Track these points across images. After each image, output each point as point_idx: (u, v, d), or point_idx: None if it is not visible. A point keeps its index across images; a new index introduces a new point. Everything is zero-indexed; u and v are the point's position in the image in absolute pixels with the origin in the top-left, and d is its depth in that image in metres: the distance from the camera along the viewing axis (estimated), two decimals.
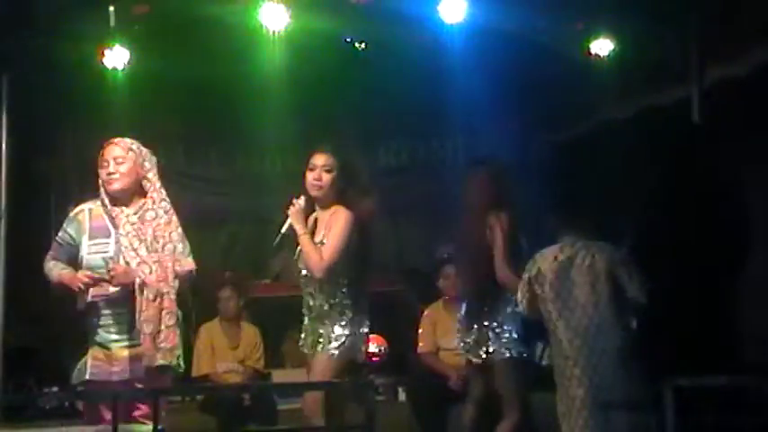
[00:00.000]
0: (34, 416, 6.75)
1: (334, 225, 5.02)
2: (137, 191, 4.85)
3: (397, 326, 7.44)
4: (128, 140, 4.89)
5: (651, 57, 7.19)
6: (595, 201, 4.92)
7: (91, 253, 4.76)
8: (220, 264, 8.49)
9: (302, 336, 5.16)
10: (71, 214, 4.87)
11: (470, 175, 5.81)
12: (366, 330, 5.11)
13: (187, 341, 4.97)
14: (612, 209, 5.17)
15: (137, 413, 4.64)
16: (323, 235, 5.05)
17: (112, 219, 4.79)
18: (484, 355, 5.56)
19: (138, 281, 4.67)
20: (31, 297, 5.03)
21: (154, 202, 4.83)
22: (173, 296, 4.74)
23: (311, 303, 5.09)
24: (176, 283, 4.76)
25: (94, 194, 4.88)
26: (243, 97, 7.98)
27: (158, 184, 4.87)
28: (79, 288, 4.68)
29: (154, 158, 4.92)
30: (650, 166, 5.18)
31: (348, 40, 7.62)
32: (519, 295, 4.81)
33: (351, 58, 7.74)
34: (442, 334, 6.84)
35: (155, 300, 4.68)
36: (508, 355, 5.50)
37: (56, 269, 4.80)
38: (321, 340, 5.00)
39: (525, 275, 4.75)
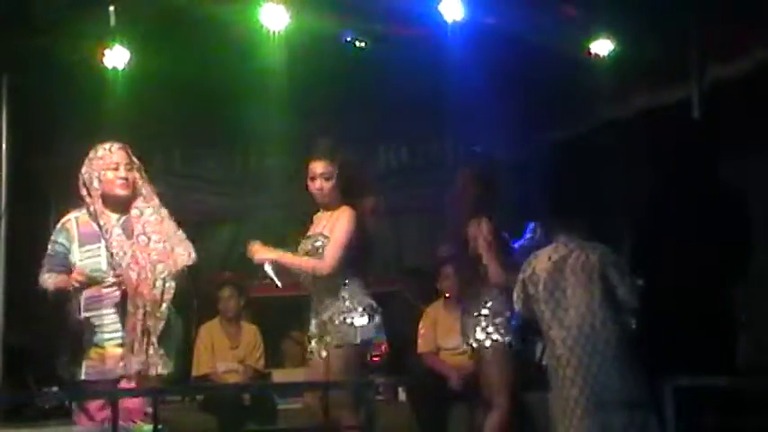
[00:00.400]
0: (33, 416, 6.75)
1: (337, 222, 5.18)
2: (133, 196, 4.94)
3: (397, 326, 7.43)
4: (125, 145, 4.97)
5: (651, 57, 7.19)
6: (591, 201, 4.92)
7: (83, 259, 4.84)
8: (220, 264, 8.48)
9: (310, 336, 5.25)
10: (58, 225, 4.96)
11: (457, 174, 5.86)
12: (374, 310, 5.16)
13: (187, 341, 4.99)
14: (609, 209, 5.18)
15: (135, 417, 4.65)
16: (323, 226, 5.20)
17: (100, 226, 4.85)
18: (474, 344, 5.59)
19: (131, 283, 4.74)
20: (31, 297, 5.03)
21: (144, 201, 4.92)
22: (162, 297, 4.79)
23: (316, 301, 5.19)
24: (172, 283, 4.82)
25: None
26: (243, 97, 7.97)
27: (149, 188, 4.97)
28: (74, 286, 4.74)
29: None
30: (648, 166, 5.17)
31: (348, 39, 7.61)
32: (514, 296, 4.84)
33: (351, 57, 7.73)
34: (442, 334, 6.85)
35: (144, 304, 4.74)
36: (493, 342, 5.52)
37: (51, 279, 4.87)
38: (333, 334, 5.08)
39: (520, 276, 4.77)
